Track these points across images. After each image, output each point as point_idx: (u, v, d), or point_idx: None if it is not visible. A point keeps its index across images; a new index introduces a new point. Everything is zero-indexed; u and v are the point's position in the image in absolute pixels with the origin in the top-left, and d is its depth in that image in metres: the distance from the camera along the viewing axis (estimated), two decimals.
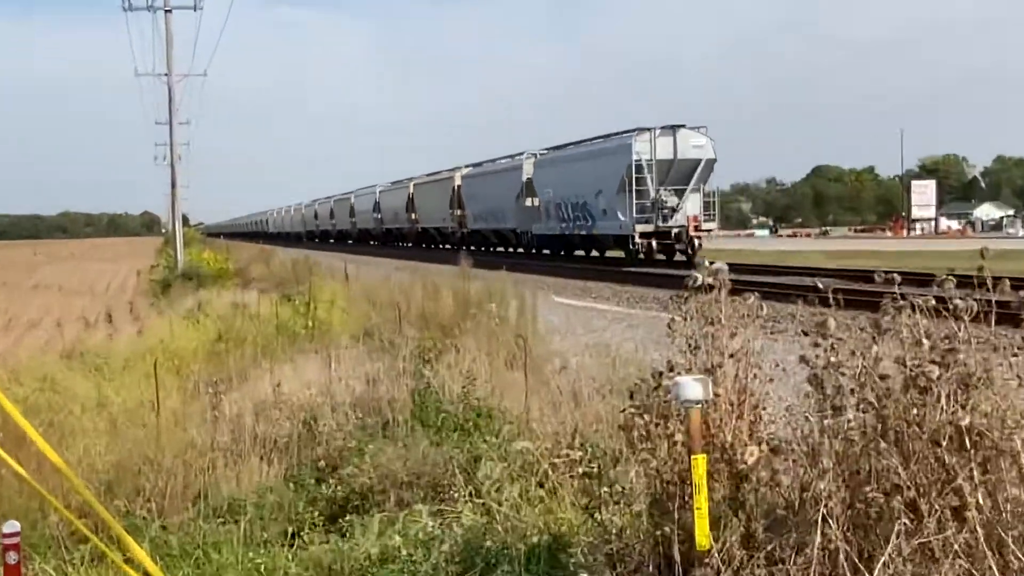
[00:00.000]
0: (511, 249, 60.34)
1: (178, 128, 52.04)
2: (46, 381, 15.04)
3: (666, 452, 5.94)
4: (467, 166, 69.17)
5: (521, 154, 57.76)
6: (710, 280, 6.09)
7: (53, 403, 14.24)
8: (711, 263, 6.24)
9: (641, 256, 43.33)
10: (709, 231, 44.30)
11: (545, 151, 55.86)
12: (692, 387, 5.55)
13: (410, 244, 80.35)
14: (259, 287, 33.41)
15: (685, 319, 6.17)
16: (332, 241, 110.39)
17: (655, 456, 5.99)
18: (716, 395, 5.82)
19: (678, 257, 43.34)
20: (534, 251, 55.84)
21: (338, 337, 17.37)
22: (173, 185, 51.64)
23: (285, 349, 16.88)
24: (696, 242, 43.09)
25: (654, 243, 43.37)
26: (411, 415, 12.21)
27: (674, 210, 43.18)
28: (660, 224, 43.09)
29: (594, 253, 51.12)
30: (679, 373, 5.91)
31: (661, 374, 6.07)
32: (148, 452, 10.93)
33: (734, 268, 7.14)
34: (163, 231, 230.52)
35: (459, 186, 67.16)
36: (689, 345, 6.11)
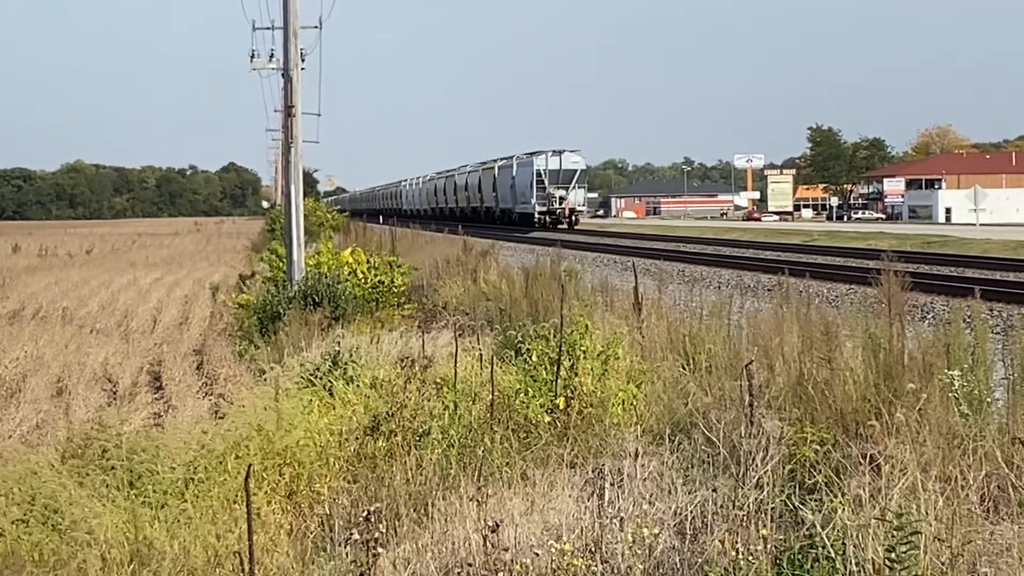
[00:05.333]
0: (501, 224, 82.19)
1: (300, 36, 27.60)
2: (33, 506, 8.26)
3: None
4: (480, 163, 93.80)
5: (507, 157, 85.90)
6: None
7: (46, 551, 7.68)
8: None
9: (541, 224, 74.43)
10: (581, 212, 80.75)
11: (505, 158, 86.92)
12: None
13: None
14: (455, 322, 19.24)
15: None
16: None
17: None
18: None
19: (563, 227, 74.19)
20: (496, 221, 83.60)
21: (618, 432, 9.82)
22: (288, 112, 27.29)
23: (508, 455, 9.45)
24: (575, 217, 77.32)
25: (547, 218, 75.27)
26: None
27: (561, 199, 76.09)
28: (551, 207, 75.67)
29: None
30: None
31: None
32: None
33: None
34: (265, 205, 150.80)
35: (480, 177, 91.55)
36: None
